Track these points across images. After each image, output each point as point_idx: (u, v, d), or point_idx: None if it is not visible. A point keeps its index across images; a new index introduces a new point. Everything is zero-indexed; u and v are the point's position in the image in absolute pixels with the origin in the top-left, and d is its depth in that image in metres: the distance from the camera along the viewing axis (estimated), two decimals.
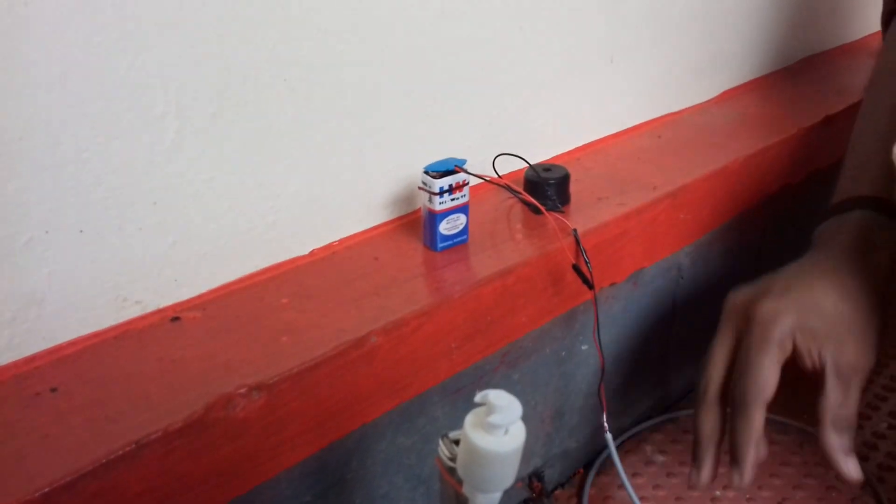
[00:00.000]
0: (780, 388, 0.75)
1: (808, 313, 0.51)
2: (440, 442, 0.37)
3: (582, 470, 0.67)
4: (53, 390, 0.40)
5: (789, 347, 0.51)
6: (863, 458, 0.67)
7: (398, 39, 0.52)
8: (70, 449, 0.36)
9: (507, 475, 0.35)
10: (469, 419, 0.35)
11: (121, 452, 0.36)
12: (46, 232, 0.40)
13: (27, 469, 0.35)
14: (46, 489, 0.34)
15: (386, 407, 0.47)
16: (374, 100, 0.52)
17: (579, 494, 0.64)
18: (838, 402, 0.51)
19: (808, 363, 0.52)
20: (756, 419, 0.51)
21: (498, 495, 0.36)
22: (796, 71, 0.90)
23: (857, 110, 0.71)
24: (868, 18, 0.99)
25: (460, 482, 0.36)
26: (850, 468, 0.51)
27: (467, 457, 0.35)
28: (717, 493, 0.64)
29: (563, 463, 0.65)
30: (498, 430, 0.34)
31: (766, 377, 0.50)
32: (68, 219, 0.41)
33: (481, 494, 0.35)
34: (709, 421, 0.53)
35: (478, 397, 0.35)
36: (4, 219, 0.39)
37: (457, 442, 0.36)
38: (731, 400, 0.52)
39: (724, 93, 0.82)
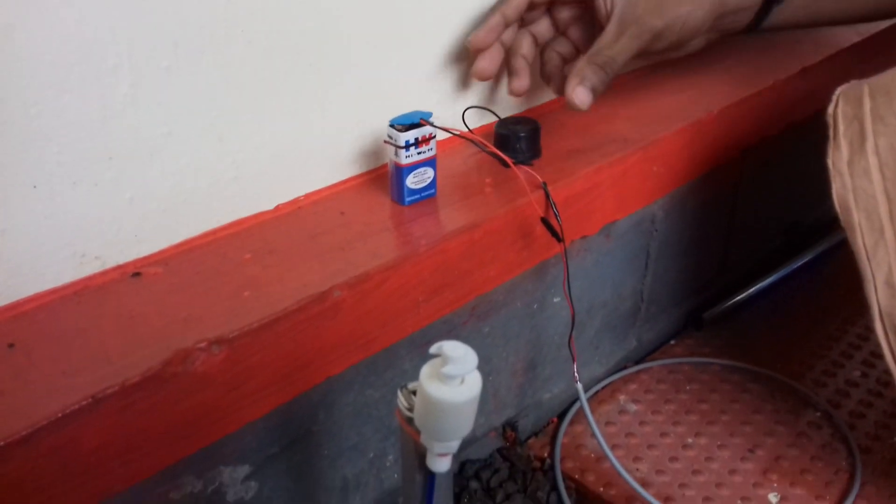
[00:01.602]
0: (752, 339, 0.76)
1: None
2: (398, 393, 0.37)
3: (556, 419, 0.67)
4: (10, 346, 0.39)
5: None
6: (834, 406, 0.68)
7: None
8: (26, 404, 0.36)
9: (464, 424, 0.35)
10: (425, 370, 0.35)
11: (76, 407, 0.36)
12: None
13: None
14: (1, 443, 0.34)
15: (352, 360, 0.47)
16: (338, 51, 0.51)
17: (552, 443, 0.65)
18: (606, 44, 0.56)
19: (601, 6, 0.57)
20: (488, 21, 0.56)
21: (455, 444, 0.36)
22: None
23: (833, 63, 0.70)
24: None
25: (418, 432, 0.36)
26: (576, 96, 0.56)
27: (423, 407, 0.35)
28: (690, 440, 0.65)
29: (536, 413, 0.66)
30: (453, 380, 0.34)
31: None
32: (20, 175, 0.40)
33: (438, 443, 0.36)
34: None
35: (433, 348, 0.35)
36: None
37: (414, 392, 0.37)
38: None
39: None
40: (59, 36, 0.39)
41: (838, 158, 0.52)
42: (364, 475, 0.53)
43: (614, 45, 0.56)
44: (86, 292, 0.44)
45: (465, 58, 0.59)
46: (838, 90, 0.53)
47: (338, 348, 0.46)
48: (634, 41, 0.56)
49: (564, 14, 0.61)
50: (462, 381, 0.35)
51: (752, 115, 0.72)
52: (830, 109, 0.53)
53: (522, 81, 0.59)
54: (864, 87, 0.52)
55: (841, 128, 0.52)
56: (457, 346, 0.35)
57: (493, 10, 0.57)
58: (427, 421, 0.35)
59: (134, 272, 0.45)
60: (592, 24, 0.61)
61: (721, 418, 0.67)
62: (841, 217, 0.52)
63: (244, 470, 0.45)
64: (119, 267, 0.45)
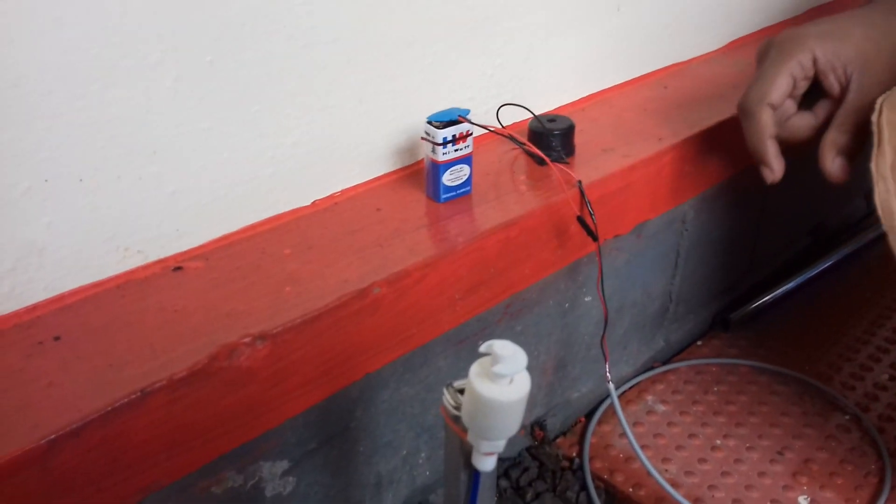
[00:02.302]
0: (779, 340, 0.76)
1: (831, 36, 0.55)
2: (444, 391, 0.37)
3: (583, 419, 0.67)
4: (57, 339, 0.40)
5: (808, 65, 0.55)
6: (863, 409, 0.67)
7: None
8: (75, 397, 0.36)
9: (512, 424, 0.35)
10: (474, 369, 0.35)
11: (126, 401, 0.36)
12: (45, 181, 0.40)
13: (33, 416, 0.35)
14: (52, 436, 0.34)
15: (389, 357, 0.47)
16: (376, 47, 0.51)
17: (581, 443, 0.65)
18: (855, 108, 0.55)
19: (832, 80, 0.56)
20: (761, 118, 0.56)
21: (502, 443, 0.36)
22: (804, 21, 0.88)
23: None
24: None
25: (465, 430, 0.36)
26: (835, 165, 0.56)
27: (472, 406, 0.35)
28: (718, 441, 0.64)
29: (564, 412, 0.66)
30: (503, 379, 0.34)
31: (771, 82, 0.55)
32: (67, 168, 0.40)
33: (485, 442, 0.36)
34: (754, 127, 0.57)
35: (483, 347, 0.34)
36: (1, 167, 0.38)
37: (461, 391, 0.37)
38: (742, 110, 0.57)
39: (731, 42, 0.81)
40: (105, 30, 0.39)
41: (882, 163, 0.52)
42: (397, 472, 0.53)
43: (860, 111, 0.55)
44: (128, 286, 0.44)
45: (500, 51, 0.59)
46: (880, 98, 0.54)
47: (376, 345, 0.46)
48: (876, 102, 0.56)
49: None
50: (511, 381, 0.35)
51: None
52: (874, 118, 0.53)
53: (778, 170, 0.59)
54: None
55: (886, 134, 0.52)
56: (507, 346, 0.34)
57: (762, 133, 0.57)
58: (475, 419, 0.35)
59: (175, 266, 0.45)
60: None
61: (749, 420, 0.67)
62: (883, 220, 0.52)
63: (283, 465, 0.45)
64: (161, 261, 0.45)
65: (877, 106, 0.53)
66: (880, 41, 0.55)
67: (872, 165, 0.53)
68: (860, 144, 0.56)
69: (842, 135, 0.55)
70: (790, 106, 0.58)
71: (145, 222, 0.44)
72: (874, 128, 0.53)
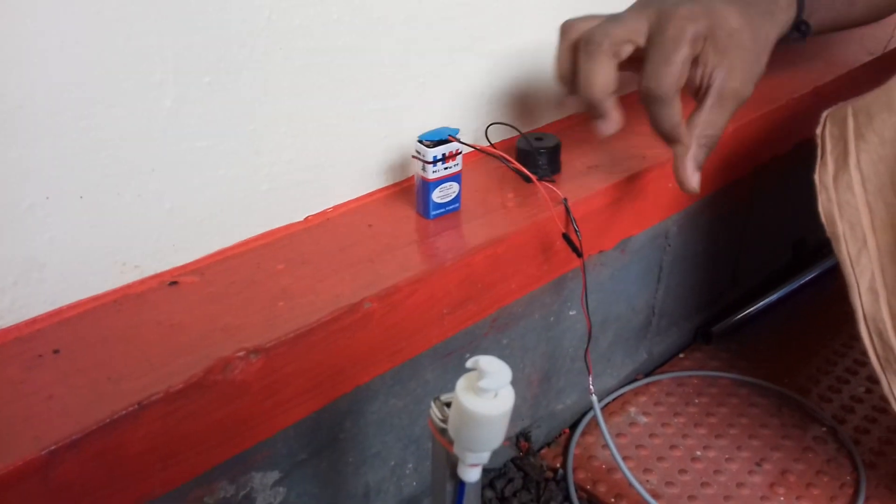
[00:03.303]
0: (759, 353, 0.78)
1: (717, 24, 0.54)
2: (432, 404, 0.38)
3: (567, 430, 0.69)
4: (56, 352, 0.41)
5: (698, 49, 0.53)
6: (839, 421, 0.69)
7: (393, 8, 0.52)
8: (74, 408, 0.37)
9: (496, 436, 0.37)
10: (460, 383, 0.36)
11: (124, 412, 0.37)
12: (47, 198, 0.41)
13: (33, 428, 0.36)
14: (52, 447, 0.35)
15: (379, 370, 0.49)
16: (369, 68, 0.53)
17: (564, 454, 0.66)
18: (711, 121, 0.55)
19: (697, 76, 0.54)
20: (675, 108, 0.54)
21: (486, 455, 0.37)
22: (784, 40, 0.90)
23: (845, 83, 0.72)
24: None
25: (451, 442, 0.37)
26: (694, 181, 0.56)
27: (458, 419, 0.36)
28: (699, 453, 0.66)
29: (549, 423, 0.67)
30: (487, 393, 0.36)
31: (674, 71, 0.52)
32: (69, 185, 0.41)
33: (471, 454, 0.37)
34: (599, 69, 0.54)
35: (469, 362, 0.36)
36: (6, 185, 0.39)
37: (448, 404, 0.38)
38: (645, 91, 0.54)
39: None
40: (110, 52, 0.40)
41: (825, 174, 0.55)
42: (385, 482, 0.55)
43: (718, 123, 0.55)
44: (125, 300, 0.45)
45: (487, 73, 0.61)
46: (825, 112, 0.57)
47: (367, 358, 0.47)
48: (732, 113, 0.56)
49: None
50: (496, 395, 0.36)
51: (764, 133, 0.73)
52: (819, 130, 0.56)
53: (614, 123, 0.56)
54: (849, 109, 0.56)
55: (828, 147, 0.56)
56: (492, 361, 0.36)
57: (595, 49, 0.53)
58: (461, 432, 0.37)
59: (171, 281, 0.47)
60: None
61: (729, 432, 0.68)
62: (827, 228, 0.55)
63: (274, 476, 0.47)
64: (157, 276, 0.46)
65: (822, 119, 0.56)
66: (749, 45, 0.55)
67: (816, 177, 0.55)
68: (712, 151, 0.57)
69: (701, 149, 0.55)
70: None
71: (143, 238, 0.45)
72: (818, 140, 0.56)
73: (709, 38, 0.53)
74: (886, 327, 0.54)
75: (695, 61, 0.54)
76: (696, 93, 0.55)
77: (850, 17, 0.71)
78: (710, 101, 0.54)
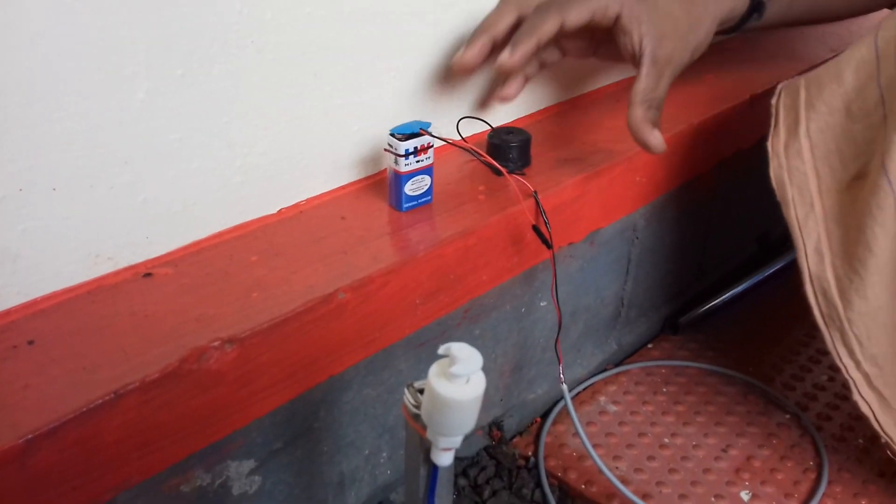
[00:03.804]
0: (725, 343, 0.80)
1: (638, 1, 0.57)
2: (405, 391, 0.39)
3: (539, 419, 0.70)
4: (31, 343, 0.41)
5: (611, 16, 0.56)
6: (803, 408, 0.71)
7: (364, 2, 0.53)
8: (51, 398, 0.37)
9: (468, 421, 0.38)
10: (433, 369, 0.37)
11: (100, 401, 0.37)
12: (20, 190, 0.41)
13: (10, 417, 0.36)
14: (30, 435, 0.35)
15: (353, 360, 0.49)
16: (341, 62, 0.53)
17: (536, 442, 0.67)
18: (651, 87, 0.58)
19: (628, 46, 0.57)
20: (546, 27, 0.55)
21: (459, 439, 0.38)
22: (751, 38, 0.93)
23: None
24: None
25: (424, 427, 0.38)
26: (654, 138, 0.58)
27: (431, 404, 0.37)
28: (666, 440, 0.68)
29: (521, 413, 0.68)
30: (459, 379, 0.37)
31: (572, 14, 0.56)
32: (41, 177, 0.41)
33: (443, 438, 0.38)
34: (498, 17, 0.57)
35: (441, 349, 0.37)
36: None
37: (421, 391, 0.39)
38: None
39: None
40: (82, 44, 0.41)
41: (777, 142, 0.59)
42: (359, 471, 0.55)
43: (658, 87, 0.58)
44: (99, 291, 0.45)
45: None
46: (781, 84, 0.60)
47: (340, 348, 0.48)
48: (671, 78, 0.59)
49: (572, 45, 0.63)
50: (468, 381, 0.37)
51: (728, 128, 0.75)
52: (774, 101, 0.60)
53: (513, 90, 0.60)
54: (801, 81, 0.60)
55: (781, 116, 0.59)
56: (463, 348, 0.37)
57: (481, 30, 0.57)
58: (433, 417, 0.38)
59: (145, 272, 0.47)
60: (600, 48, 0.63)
61: (696, 419, 0.70)
62: (777, 192, 0.59)
63: (249, 464, 0.47)
64: (131, 267, 0.47)
65: (777, 90, 0.60)
66: (680, 17, 0.58)
67: (769, 144, 0.59)
68: (661, 110, 0.59)
69: (649, 111, 0.57)
70: (551, 54, 0.62)
71: (116, 230, 0.45)
72: (772, 110, 0.59)
73: (630, 9, 0.56)
74: (830, 286, 0.57)
75: (621, 30, 0.57)
76: (632, 60, 0.58)
77: (816, 5, 0.73)
78: (644, 69, 0.57)
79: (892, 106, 0.54)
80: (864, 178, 0.56)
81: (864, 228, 0.54)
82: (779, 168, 0.58)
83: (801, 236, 0.58)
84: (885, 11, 0.69)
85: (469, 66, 0.57)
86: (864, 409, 0.58)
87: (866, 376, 0.57)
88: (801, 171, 0.58)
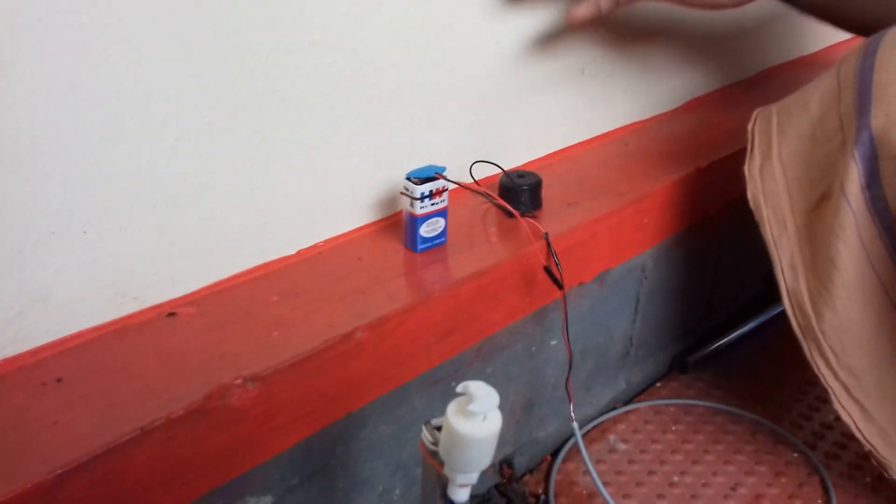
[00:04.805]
0: (734, 382, 0.80)
1: None
2: (423, 428, 0.40)
3: (549, 457, 0.71)
4: (59, 380, 0.42)
5: None
6: (811, 447, 0.72)
7: (383, 52, 0.55)
8: (80, 434, 0.38)
9: (485, 457, 0.39)
10: (451, 407, 0.38)
11: (127, 437, 0.38)
12: (53, 233, 0.43)
13: (40, 452, 0.37)
14: (60, 471, 0.36)
15: (370, 397, 0.51)
16: (360, 109, 0.55)
17: (546, 480, 0.68)
18: None
19: None
20: None
21: (475, 475, 0.39)
22: (756, 82, 0.95)
23: None
24: (823, 33, 1.05)
25: (441, 464, 0.39)
26: (579, 10, 0.61)
27: (449, 441, 0.38)
28: (676, 478, 0.68)
29: (531, 450, 0.69)
30: (477, 416, 0.38)
31: None
32: (73, 220, 0.43)
33: (460, 474, 0.39)
34: None
35: (459, 387, 0.38)
36: (14, 220, 0.41)
37: (438, 428, 0.40)
38: None
39: (689, 102, 0.86)
40: (117, 93, 0.43)
41: (752, 165, 0.62)
42: None
43: None
44: (125, 330, 0.46)
45: (474, 111, 0.64)
46: (756, 111, 0.64)
47: (358, 386, 0.49)
48: None
49: None
50: (484, 418, 0.38)
51: (736, 170, 0.77)
52: (749, 126, 0.63)
53: (582, 11, 0.62)
54: (773, 109, 0.63)
55: (756, 140, 0.62)
56: (480, 386, 0.38)
57: None
58: (451, 454, 0.39)
59: (169, 312, 0.48)
60: None
61: (705, 458, 0.71)
62: (754, 213, 0.62)
63: (267, 500, 0.48)
64: (156, 307, 0.48)
65: (752, 116, 0.63)
66: None
67: (745, 168, 0.62)
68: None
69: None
70: None
71: (143, 270, 0.47)
72: (749, 135, 0.63)
73: None
74: (804, 299, 0.60)
75: None
76: None
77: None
78: None
79: (849, 133, 0.56)
80: (828, 199, 0.59)
81: (829, 246, 0.57)
82: (755, 190, 0.62)
83: (777, 253, 0.61)
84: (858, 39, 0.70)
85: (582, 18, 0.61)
86: (846, 418, 0.60)
87: (844, 386, 0.59)
88: (774, 192, 0.61)
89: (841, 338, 0.59)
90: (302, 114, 0.52)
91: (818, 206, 0.59)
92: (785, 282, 0.61)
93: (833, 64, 0.62)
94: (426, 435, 0.40)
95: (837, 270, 0.57)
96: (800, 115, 0.60)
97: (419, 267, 0.55)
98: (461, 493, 0.40)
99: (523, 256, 0.58)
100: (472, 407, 0.37)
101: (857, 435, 0.60)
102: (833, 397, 0.60)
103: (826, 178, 0.59)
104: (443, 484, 0.40)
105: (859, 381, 0.59)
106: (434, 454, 0.40)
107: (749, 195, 0.62)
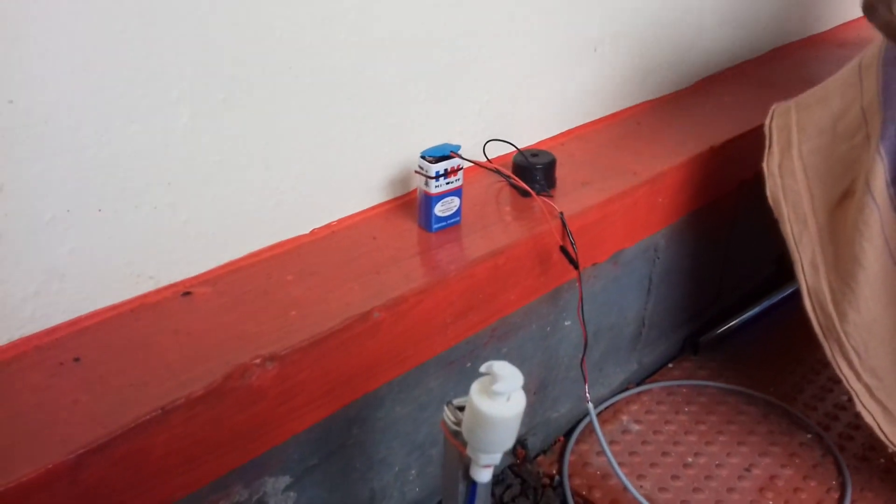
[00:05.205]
0: (746, 363, 0.80)
1: None
2: (445, 408, 0.40)
3: (562, 438, 0.70)
4: (76, 360, 0.42)
5: None
6: (825, 428, 0.71)
7: (396, 30, 0.54)
8: (99, 414, 0.38)
9: (508, 438, 0.38)
10: (475, 387, 0.38)
11: (148, 417, 0.38)
12: (68, 211, 0.42)
13: (61, 432, 0.37)
14: (81, 451, 0.36)
15: (387, 377, 0.50)
16: (373, 86, 0.54)
17: (560, 461, 0.68)
18: None
19: None
20: None
21: (499, 456, 0.39)
22: (767, 60, 0.94)
23: None
24: (834, 11, 1.03)
25: (464, 444, 0.39)
26: None
27: (472, 421, 0.38)
28: (690, 459, 0.68)
29: (545, 431, 0.69)
30: (501, 396, 0.37)
31: None
32: (88, 198, 0.42)
33: (484, 455, 0.39)
34: None
35: (483, 367, 0.38)
36: (29, 198, 0.40)
37: (460, 408, 0.40)
38: None
39: (700, 81, 0.85)
40: (130, 70, 0.42)
41: (772, 162, 0.61)
42: (389, 488, 0.56)
43: None
44: (141, 310, 0.46)
45: (486, 91, 0.63)
46: (773, 106, 0.62)
47: (375, 366, 0.49)
48: None
49: None
50: (508, 399, 0.38)
51: (749, 150, 0.76)
52: (767, 122, 0.62)
53: None
54: (792, 104, 0.62)
55: (774, 137, 0.62)
56: (505, 366, 0.38)
57: None
58: (475, 434, 0.38)
59: (185, 291, 0.48)
60: None
61: (718, 439, 0.70)
62: (773, 210, 0.61)
63: (285, 480, 0.48)
64: (171, 286, 0.48)
65: (770, 112, 0.62)
66: None
67: (764, 165, 0.61)
68: None
69: None
70: None
71: (158, 249, 0.46)
72: (766, 131, 0.61)
73: None
74: (826, 299, 0.59)
75: None
76: None
77: None
78: None
79: (874, 127, 0.55)
80: (851, 195, 0.58)
81: (853, 244, 0.56)
82: (774, 187, 0.61)
83: (798, 251, 0.60)
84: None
85: None
86: (868, 419, 0.59)
87: (867, 387, 0.58)
88: (794, 189, 0.60)
89: (864, 338, 0.57)
90: (315, 91, 0.51)
91: (841, 204, 0.58)
92: (806, 281, 0.59)
93: (839, 54, 0.62)
94: (448, 415, 0.40)
95: (862, 268, 0.56)
96: (820, 110, 0.59)
97: (434, 246, 0.55)
98: (484, 474, 0.40)
99: (538, 236, 0.57)
100: (496, 387, 0.37)
101: (881, 436, 0.59)
102: (856, 399, 0.59)
103: (849, 175, 0.58)
104: (465, 464, 0.40)
105: (883, 382, 0.58)
106: (456, 434, 0.39)
107: (768, 192, 0.61)
